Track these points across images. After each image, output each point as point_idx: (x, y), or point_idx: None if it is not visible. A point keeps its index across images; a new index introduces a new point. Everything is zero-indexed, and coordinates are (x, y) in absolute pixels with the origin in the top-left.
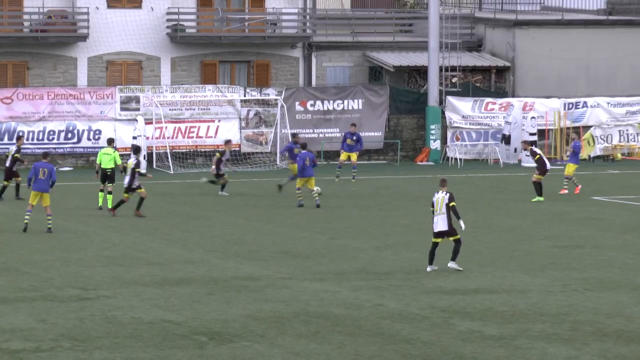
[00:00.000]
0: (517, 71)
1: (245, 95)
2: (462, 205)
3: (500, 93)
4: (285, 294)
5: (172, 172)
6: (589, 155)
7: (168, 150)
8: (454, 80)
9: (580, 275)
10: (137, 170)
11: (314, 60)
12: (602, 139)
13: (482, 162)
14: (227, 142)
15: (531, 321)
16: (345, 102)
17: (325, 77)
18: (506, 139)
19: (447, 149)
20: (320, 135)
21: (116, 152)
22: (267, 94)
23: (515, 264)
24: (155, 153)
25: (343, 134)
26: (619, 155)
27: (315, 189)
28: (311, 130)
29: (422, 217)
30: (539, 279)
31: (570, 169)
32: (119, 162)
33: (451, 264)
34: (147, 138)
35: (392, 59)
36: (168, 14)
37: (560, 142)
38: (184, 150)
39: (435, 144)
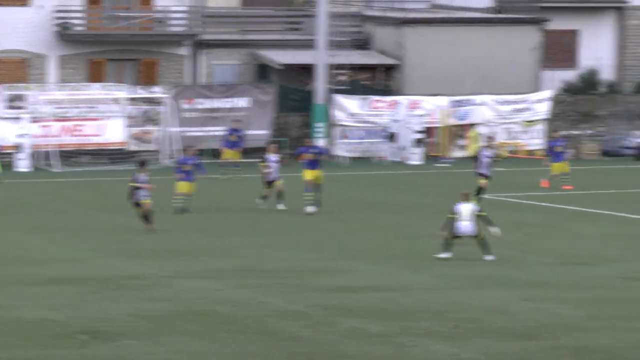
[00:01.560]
0: (404, 69)
1: (132, 94)
2: (348, 203)
3: (388, 91)
4: (170, 292)
5: (57, 170)
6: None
7: (53, 149)
8: (341, 78)
9: (463, 272)
10: None
11: (201, 58)
12: (488, 136)
13: (369, 160)
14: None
15: (414, 318)
16: (233, 100)
17: (213, 75)
18: (392, 137)
19: (334, 147)
20: (208, 133)
21: None
22: (154, 92)
23: (400, 261)
24: (42, 152)
25: (227, 130)
26: (505, 153)
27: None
28: (198, 129)
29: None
30: (423, 276)
31: (557, 168)
32: None
33: (487, 257)
34: (33, 137)
35: (280, 57)
36: (56, 11)
37: (446, 139)
38: (70, 149)
39: (321, 142)
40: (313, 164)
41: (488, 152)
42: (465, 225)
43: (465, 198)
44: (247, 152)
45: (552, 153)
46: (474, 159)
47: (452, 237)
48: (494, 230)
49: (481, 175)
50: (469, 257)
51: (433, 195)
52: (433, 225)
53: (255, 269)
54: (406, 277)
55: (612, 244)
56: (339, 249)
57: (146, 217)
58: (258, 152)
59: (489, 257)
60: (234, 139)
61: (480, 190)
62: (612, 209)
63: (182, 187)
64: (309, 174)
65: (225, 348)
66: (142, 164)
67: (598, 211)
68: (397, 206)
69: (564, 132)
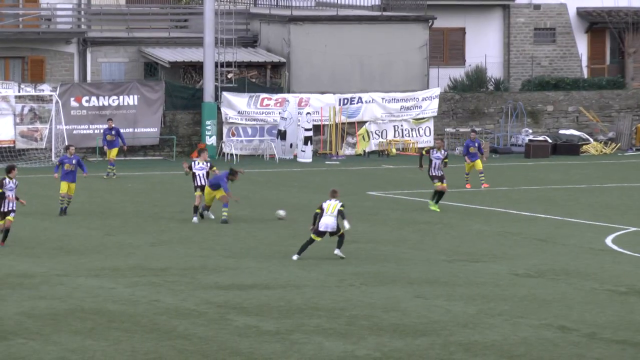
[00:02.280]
0: (292, 67)
1: (19, 91)
2: (239, 203)
3: (276, 89)
4: (61, 290)
5: None
6: (364, 151)
7: None
8: (229, 76)
9: (355, 269)
10: None
11: (89, 55)
12: (377, 134)
13: (258, 157)
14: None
15: (307, 316)
16: (121, 97)
17: (100, 73)
18: (282, 135)
19: (223, 145)
20: (96, 131)
21: None
22: (41, 90)
23: (291, 259)
24: None
25: (102, 130)
26: (394, 151)
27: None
28: (87, 127)
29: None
30: (315, 273)
31: (469, 167)
32: None
33: (337, 252)
34: None
35: (167, 55)
36: None
37: (336, 137)
38: None
39: (210, 140)
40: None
41: (438, 154)
42: (327, 222)
43: (334, 195)
44: (136, 150)
45: (468, 153)
46: (421, 160)
47: (316, 234)
48: (345, 224)
49: (435, 177)
50: (360, 255)
51: (323, 193)
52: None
53: (146, 267)
54: (297, 274)
55: (503, 241)
56: (230, 247)
57: (4, 234)
58: (147, 150)
59: (339, 252)
60: (111, 138)
61: (439, 194)
62: (503, 206)
63: (64, 187)
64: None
65: (117, 346)
66: (10, 169)
67: (489, 208)
68: (287, 204)
69: (451, 130)
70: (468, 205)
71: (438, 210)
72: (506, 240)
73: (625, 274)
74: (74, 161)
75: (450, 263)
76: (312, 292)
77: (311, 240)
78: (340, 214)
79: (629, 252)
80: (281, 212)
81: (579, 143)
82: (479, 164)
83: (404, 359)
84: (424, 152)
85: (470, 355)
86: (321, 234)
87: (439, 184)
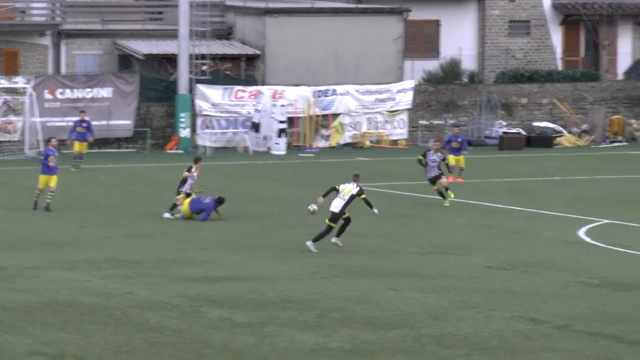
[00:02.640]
0: (267, 59)
1: None
2: (211, 194)
3: (250, 81)
4: (35, 283)
5: None
6: (338, 143)
7: None
8: (203, 68)
9: (329, 262)
10: None
11: (63, 48)
12: (351, 126)
13: (232, 149)
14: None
15: (280, 308)
16: (95, 90)
17: (75, 65)
18: (256, 127)
19: (197, 137)
20: (70, 123)
21: None
22: (15, 82)
23: (264, 251)
24: None
25: (74, 122)
26: (368, 143)
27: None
28: (60, 119)
29: (171, 205)
30: (288, 266)
31: (452, 160)
32: None
33: (335, 239)
34: None
35: (142, 47)
36: None
37: (310, 129)
38: None
39: (185, 132)
40: None
41: (434, 157)
42: (337, 204)
43: (355, 179)
44: (110, 142)
45: (450, 148)
46: (420, 163)
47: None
48: (374, 210)
49: (430, 180)
50: (334, 247)
51: (297, 185)
52: (296, 215)
53: (119, 259)
54: (271, 267)
55: (476, 234)
56: (203, 239)
57: None
58: (121, 142)
59: (337, 241)
60: (81, 130)
61: (444, 191)
62: (477, 198)
63: (43, 181)
64: None
65: (90, 339)
66: None
67: (463, 201)
68: (261, 196)
69: (425, 122)
70: (442, 198)
71: (448, 204)
72: (479, 233)
73: (598, 266)
74: (54, 154)
75: (423, 255)
76: (285, 285)
77: (328, 229)
78: (366, 203)
79: (602, 245)
80: (313, 207)
81: (553, 135)
82: (461, 160)
83: (377, 352)
84: (420, 158)
85: (443, 347)
86: (334, 219)
87: (435, 187)
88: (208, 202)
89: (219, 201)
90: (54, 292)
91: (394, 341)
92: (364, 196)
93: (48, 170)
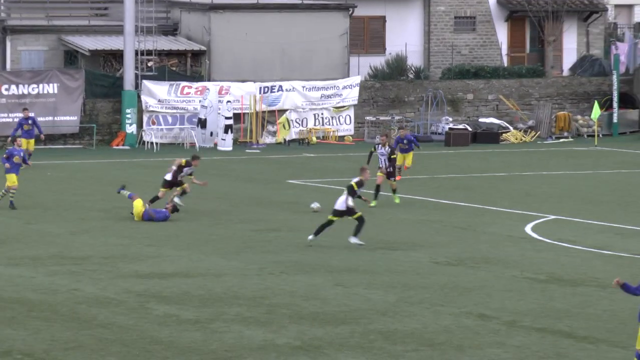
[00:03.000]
0: (213, 55)
1: None
2: (157, 190)
3: (197, 77)
4: None
5: None
6: (285, 139)
7: None
8: (149, 64)
9: (276, 258)
10: None
11: (8, 44)
12: (297, 122)
13: (179, 146)
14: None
15: (227, 305)
16: (41, 86)
17: (20, 61)
18: (202, 123)
19: (143, 133)
20: (16, 119)
21: None
22: None
23: (211, 247)
24: None
25: (19, 119)
26: (314, 139)
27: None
28: (6, 115)
29: (118, 201)
30: (235, 262)
31: (400, 159)
32: None
33: (353, 239)
34: None
35: (87, 43)
36: None
37: (256, 126)
38: None
39: (131, 128)
40: None
41: (382, 150)
42: (340, 199)
43: (360, 172)
44: (55, 138)
45: (400, 148)
46: (369, 157)
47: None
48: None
49: (389, 174)
50: (281, 243)
51: (243, 181)
52: (243, 212)
53: (66, 256)
54: (218, 263)
55: (423, 229)
56: (151, 235)
57: None
58: (67, 138)
59: (356, 241)
60: (28, 128)
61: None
62: (424, 194)
63: (13, 179)
64: None
65: (36, 335)
66: None
67: (410, 197)
68: (208, 192)
69: (371, 118)
70: (388, 194)
71: (398, 201)
72: (426, 229)
73: (544, 262)
74: (19, 153)
75: (370, 251)
76: (232, 281)
77: (329, 222)
78: (347, 191)
79: (548, 240)
80: (315, 205)
81: (499, 131)
82: (409, 159)
83: (324, 347)
84: (372, 150)
85: (390, 343)
86: (337, 213)
87: (386, 179)
88: (160, 216)
89: (174, 210)
90: (0, 288)
91: (342, 337)
92: (352, 184)
93: (16, 169)
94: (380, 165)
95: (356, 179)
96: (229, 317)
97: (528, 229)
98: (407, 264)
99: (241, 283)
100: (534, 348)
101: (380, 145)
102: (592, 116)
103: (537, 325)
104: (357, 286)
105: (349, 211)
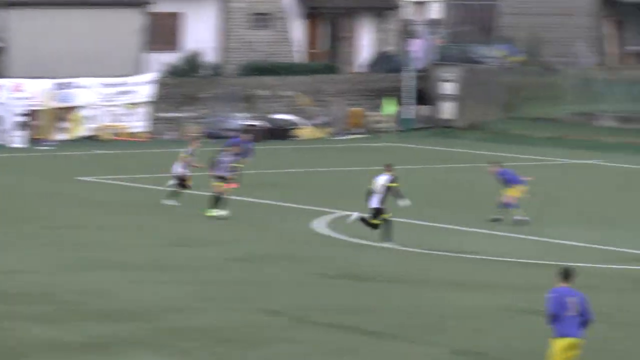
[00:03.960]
0: (9, 52)
1: None
2: None
3: None
4: None
5: None
6: (78, 135)
7: None
8: None
9: (68, 255)
10: None
11: None
12: (91, 119)
13: None
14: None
15: (16, 302)
16: None
17: None
18: None
19: None
20: None
21: None
22: None
23: (3, 245)
24: None
25: None
26: (108, 136)
27: None
28: None
29: None
30: (29, 259)
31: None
32: None
33: (387, 244)
34: None
35: None
36: None
37: (49, 122)
38: None
39: None
40: None
41: (228, 158)
42: (374, 200)
43: (387, 169)
44: None
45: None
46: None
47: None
48: (403, 203)
49: (220, 178)
50: (70, 240)
51: (37, 177)
52: (36, 209)
53: None
54: (8, 260)
55: (215, 227)
56: None
57: None
58: None
59: (388, 243)
60: None
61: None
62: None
63: None
64: None
65: None
66: None
67: (199, 193)
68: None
69: (166, 115)
70: (192, 193)
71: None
72: (219, 226)
73: (334, 258)
74: None
75: (163, 247)
76: (22, 278)
77: (374, 226)
78: (393, 193)
79: (338, 236)
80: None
81: (292, 127)
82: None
83: (111, 344)
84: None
85: (178, 339)
86: (375, 214)
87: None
88: None
89: None
90: None
91: (129, 333)
92: (393, 185)
93: None
94: (220, 174)
95: (389, 177)
96: (18, 315)
97: (318, 224)
98: (199, 260)
99: (33, 280)
100: (322, 343)
101: (224, 152)
102: (382, 112)
103: (325, 321)
104: (148, 283)
105: (382, 209)
